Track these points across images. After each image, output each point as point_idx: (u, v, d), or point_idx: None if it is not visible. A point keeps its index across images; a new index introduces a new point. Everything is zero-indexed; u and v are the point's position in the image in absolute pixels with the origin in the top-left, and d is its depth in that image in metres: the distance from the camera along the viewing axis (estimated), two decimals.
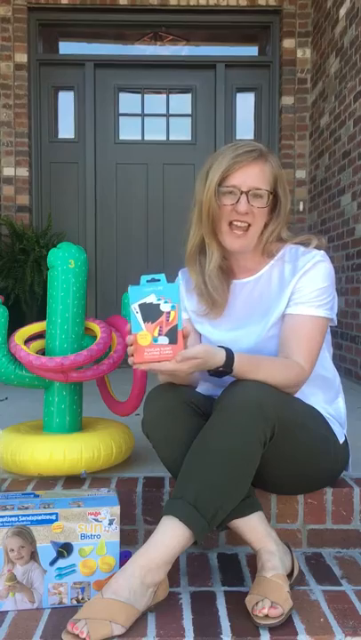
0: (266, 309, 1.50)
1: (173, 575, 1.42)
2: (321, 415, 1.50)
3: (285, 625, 1.22)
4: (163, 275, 1.27)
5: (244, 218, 1.44)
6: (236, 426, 1.28)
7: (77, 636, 1.14)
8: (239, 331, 1.52)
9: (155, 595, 1.25)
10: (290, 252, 1.51)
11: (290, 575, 1.37)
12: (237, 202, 1.42)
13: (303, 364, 1.41)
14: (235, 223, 1.44)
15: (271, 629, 1.20)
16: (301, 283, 1.45)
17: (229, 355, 1.32)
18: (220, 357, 1.31)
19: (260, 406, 1.28)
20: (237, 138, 4.61)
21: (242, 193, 1.42)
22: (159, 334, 1.24)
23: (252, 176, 1.43)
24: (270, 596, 1.24)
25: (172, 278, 1.65)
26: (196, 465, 1.29)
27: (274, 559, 1.32)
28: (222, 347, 1.33)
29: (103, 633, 1.15)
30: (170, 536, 1.24)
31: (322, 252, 1.49)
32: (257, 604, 1.23)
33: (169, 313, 1.24)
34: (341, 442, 1.54)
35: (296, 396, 1.46)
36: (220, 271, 1.53)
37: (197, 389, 1.59)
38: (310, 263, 1.45)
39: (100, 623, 1.16)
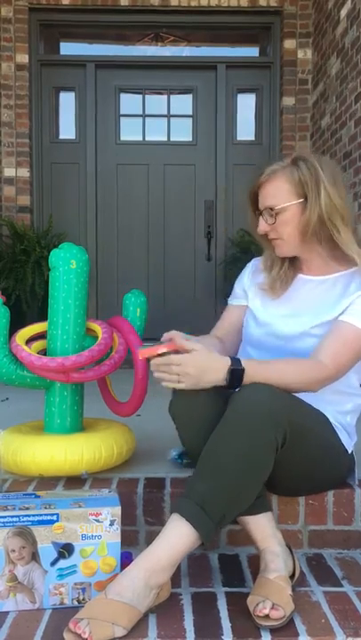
0: (318, 309, 1.51)
1: (174, 576, 1.42)
2: (328, 421, 1.50)
3: (286, 626, 1.22)
4: None
5: (270, 236, 1.55)
6: (246, 431, 1.27)
7: (79, 635, 1.14)
8: (283, 318, 1.55)
9: (157, 596, 1.25)
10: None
11: (291, 577, 1.36)
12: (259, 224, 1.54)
13: (326, 361, 1.40)
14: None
15: (273, 631, 1.20)
16: None
17: (234, 359, 1.34)
18: (223, 363, 1.33)
19: (271, 411, 1.28)
20: (238, 139, 4.62)
21: (260, 214, 1.53)
22: None
23: (265, 196, 1.52)
24: (272, 598, 1.24)
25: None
26: (207, 467, 1.28)
27: (277, 560, 1.32)
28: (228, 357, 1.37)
29: (105, 634, 1.15)
30: (176, 537, 1.24)
31: None
32: (258, 604, 1.23)
33: None
34: (349, 451, 1.55)
35: (308, 399, 1.45)
36: (290, 265, 1.61)
37: None
38: None
39: (103, 624, 1.16)
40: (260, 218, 1.53)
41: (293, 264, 1.61)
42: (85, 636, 1.14)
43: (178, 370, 1.31)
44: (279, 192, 1.50)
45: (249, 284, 1.68)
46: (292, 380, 1.38)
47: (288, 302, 1.58)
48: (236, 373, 1.33)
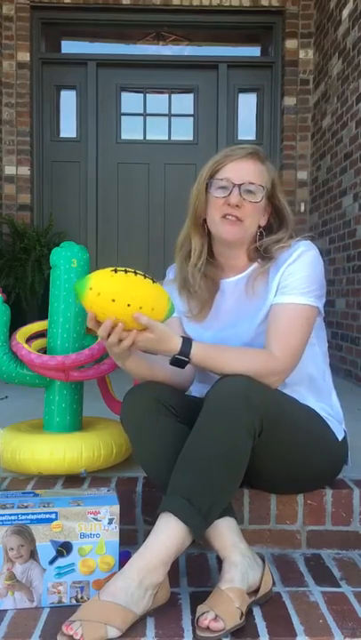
0: (255, 306, 1.49)
1: (173, 575, 1.42)
2: (317, 415, 1.49)
3: (285, 626, 1.22)
4: None
5: (235, 212, 1.43)
6: (225, 415, 1.28)
7: (72, 637, 1.13)
8: (230, 330, 1.51)
9: (155, 598, 1.23)
10: (280, 250, 1.49)
11: (256, 592, 1.29)
12: (230, 194, 1.42)
13: (276, 352, 1.38)
14: (227, 217, 1.44)
15: (270, 630, 1.20)
16: (287, 273, 1.44)
17: (186, 342, 1.33)
18: (175, 343, 1.32)
19: (247, 398, 1.28)
20: (239, 138, 4.62)
21: (234, 186, 1.42)
22: None
23: (246, 169, 1.43)
24: (216, 609, 1.19)
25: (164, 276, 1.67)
26: (188, 460, 1.28)
27: (233, 571, 1.26)
28: (183, 336, 1.35)
29: (98, 635, 1.13)
30: (166, 535, 1.23)
31: (307, 241, 1.48)
32: (203, 614, 1.20)
33: None
34: (340, 438, 1.54)
35: (293, 396, 1.45)
36: (210, 269, 1.53)
37: (193, 391, 1.60)
38: (296, 254, 1.44)
39: (95, 625, 1.14)
40: (234, 190, 1.41)
41: (213, 271, 1.53)
42: (78, 637, 1.12)
43: (141, 336, 1.28)
44: (261, 174, 1.45)
45: (177, 303, 1.57)
46: (244, 369, 1.35)
47: (225, 314, 1.53)
48: (180, 361, 1.34)
